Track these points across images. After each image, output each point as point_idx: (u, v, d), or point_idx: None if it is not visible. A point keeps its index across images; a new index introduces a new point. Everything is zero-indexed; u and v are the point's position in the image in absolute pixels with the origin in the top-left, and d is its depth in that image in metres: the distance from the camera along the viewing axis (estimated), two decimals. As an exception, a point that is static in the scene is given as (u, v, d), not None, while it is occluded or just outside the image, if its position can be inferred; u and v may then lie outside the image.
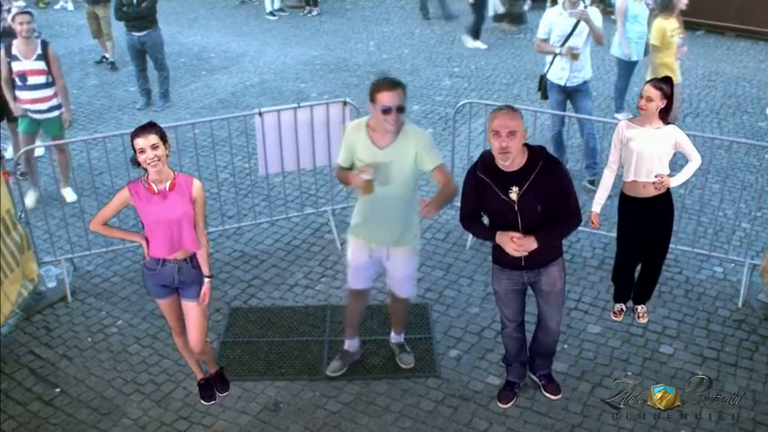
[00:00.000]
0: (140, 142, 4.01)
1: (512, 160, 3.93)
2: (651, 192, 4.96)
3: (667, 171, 4.96)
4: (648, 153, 4.88)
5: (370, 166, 4.29)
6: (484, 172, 4.04)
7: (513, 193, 3.95)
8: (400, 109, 4.20)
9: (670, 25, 7.32)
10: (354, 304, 4.92)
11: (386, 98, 4.16)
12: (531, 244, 3.98)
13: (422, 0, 13.81)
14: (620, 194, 5.14)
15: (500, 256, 4.24)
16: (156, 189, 4.12)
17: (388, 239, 4.54)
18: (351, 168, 4.47)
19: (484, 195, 4.03)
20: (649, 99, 4.83)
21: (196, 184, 4.23)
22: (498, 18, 12.80)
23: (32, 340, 5.41)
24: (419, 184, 4.59)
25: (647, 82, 4.97)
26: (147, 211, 4.14)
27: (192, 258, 4.33)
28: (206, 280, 4.38)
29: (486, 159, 4.07)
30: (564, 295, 4.48)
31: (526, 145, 4.02)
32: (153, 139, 4.02)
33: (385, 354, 5.17)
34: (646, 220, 5.05)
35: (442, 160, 4.43)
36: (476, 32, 11.99)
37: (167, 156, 4.12)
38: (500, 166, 3.99)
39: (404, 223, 4.50)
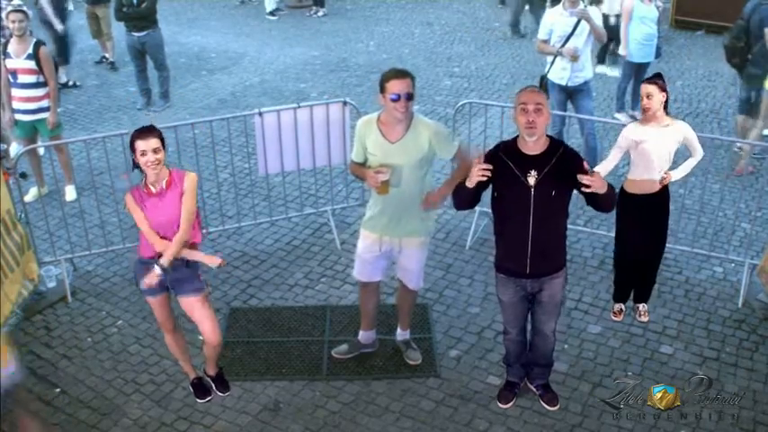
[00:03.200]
0: (142, 145, 4.04)
1: (537, 137, 3.97)
2: (657, 187, 4.98)
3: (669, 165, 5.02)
4: (662, 152, 4.90)
5: (386, 166, 4.33)
6: (506, 153, 4.09)
7: (532, 178, 3.99)
8: (409, 96, 4.26)
9: None
10: (364, 295, 4.98)
11: (395, 86, 4.24)
12: (602, 183, 3.87)
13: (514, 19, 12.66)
14: (621, 191, 5.10)
15: (505, 264, 4.29)
16: (153, 190, 4.16)
17: (400, 232, 4.58)
18: (364, 163, 4.52)
19: (501, 177, 4.04)
20: (649, 96, 4.82)
21: (189, 176, 4.25)
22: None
23: (32, 340, 5.41)
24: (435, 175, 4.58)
25: (645, 80, 4.94)
26: (148, 213, 4.18)
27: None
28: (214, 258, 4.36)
29: (509, 143, 4.15)
30: (562, 304, 4.53)
31: (547, 136, 4.08)
32: (154, 142, 4.07)
33: (385, 354, 5.17)
34: (645, 213, 5.05)
35: (458, 141, 4.50)
36: None
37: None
38: (522, 148, 4.05)
39: (416, 216, 4.55)
